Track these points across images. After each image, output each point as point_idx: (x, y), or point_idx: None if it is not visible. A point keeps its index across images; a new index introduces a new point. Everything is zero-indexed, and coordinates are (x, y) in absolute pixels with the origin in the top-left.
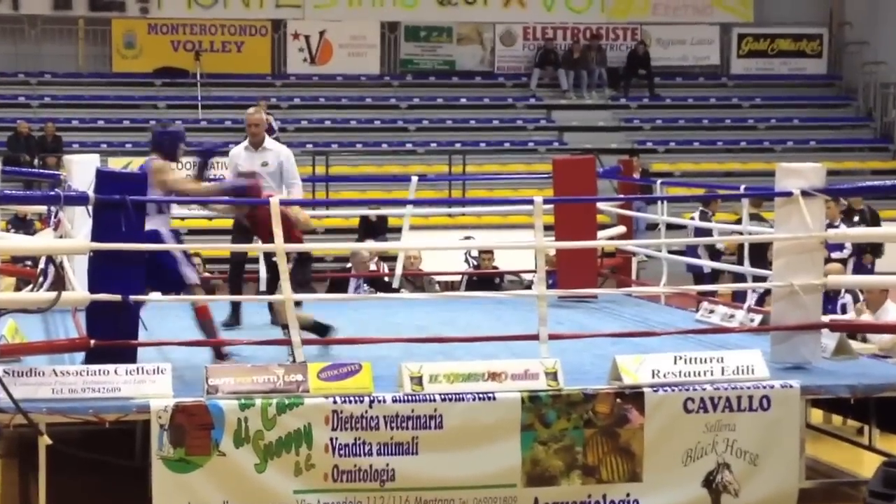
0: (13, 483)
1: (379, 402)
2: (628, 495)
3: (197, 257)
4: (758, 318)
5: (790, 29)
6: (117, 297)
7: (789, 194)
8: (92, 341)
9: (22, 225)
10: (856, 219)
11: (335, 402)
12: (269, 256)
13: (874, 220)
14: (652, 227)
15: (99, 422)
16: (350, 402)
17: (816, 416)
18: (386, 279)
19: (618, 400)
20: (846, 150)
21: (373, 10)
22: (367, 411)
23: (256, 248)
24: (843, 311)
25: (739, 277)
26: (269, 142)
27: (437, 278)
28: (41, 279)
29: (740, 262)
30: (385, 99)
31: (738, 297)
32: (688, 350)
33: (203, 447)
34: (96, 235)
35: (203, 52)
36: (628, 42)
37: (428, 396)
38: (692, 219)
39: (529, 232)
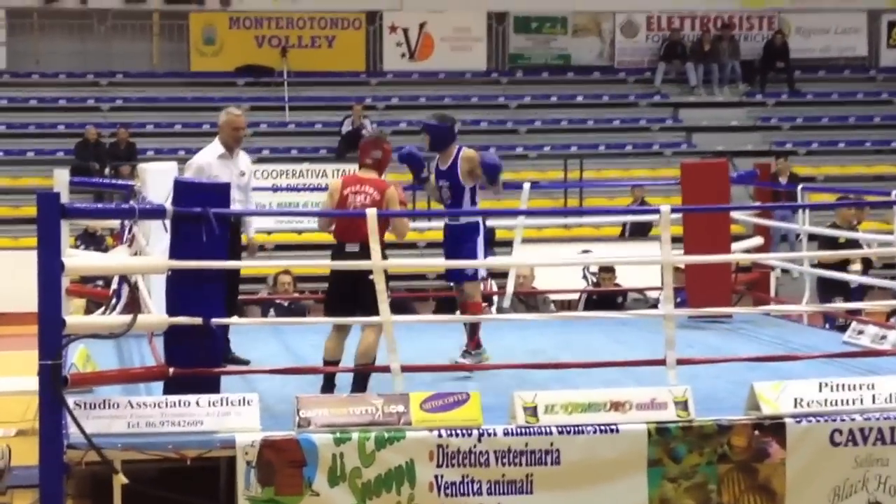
0: None
1: (489, 435)
2: None
3: (287, 275)
4: None
5: None
6: (198, 321)
7: None
8: (171, 369)
9: (92, 241)
10: None
11: (440, 435)
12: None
13: None
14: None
15: (179, 458)
16: (457, 435)
17: None
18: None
19: (756, 432)
20: None
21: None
22: (475, 446)
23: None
24: None
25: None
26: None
27: (553, 297)
28: (114, 301)
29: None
30: (493, 98)
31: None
32: (834, 376)
33: (294, 486)
34: (175, 252)
35: (290, 48)
36: (764, 32)
37: (543, 429)
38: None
39: (654, 244)
